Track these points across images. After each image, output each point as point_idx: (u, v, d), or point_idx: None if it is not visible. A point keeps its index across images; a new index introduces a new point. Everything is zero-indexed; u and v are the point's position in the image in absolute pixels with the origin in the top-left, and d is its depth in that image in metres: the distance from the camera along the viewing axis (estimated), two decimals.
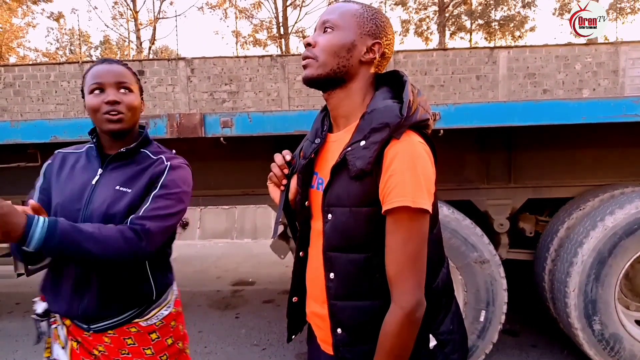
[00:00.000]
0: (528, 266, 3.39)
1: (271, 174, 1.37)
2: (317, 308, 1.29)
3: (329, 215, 1.19)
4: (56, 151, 1.59)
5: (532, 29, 23.17)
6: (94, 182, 1.46)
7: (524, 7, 22.24)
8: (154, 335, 1.54)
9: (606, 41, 16.10)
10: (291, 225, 1.42)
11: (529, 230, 3.34)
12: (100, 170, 1.48)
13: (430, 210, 1.10)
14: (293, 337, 1.45)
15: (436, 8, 22.65)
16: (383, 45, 1.19)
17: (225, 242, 7.47)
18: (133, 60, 15.05)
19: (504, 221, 3.17)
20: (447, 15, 22.07)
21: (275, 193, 1.39)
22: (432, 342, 1.20)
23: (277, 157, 1.36)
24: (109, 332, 1.48)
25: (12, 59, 24.93)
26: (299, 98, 13.28)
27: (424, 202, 1.07)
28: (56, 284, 1.47)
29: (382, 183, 1.10)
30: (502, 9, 22.56)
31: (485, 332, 2.92)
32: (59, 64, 13.87)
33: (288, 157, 1.35)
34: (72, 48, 26.16)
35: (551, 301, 3.04)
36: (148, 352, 1.52)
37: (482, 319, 2.91)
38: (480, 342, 2.92)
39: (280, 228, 3.48)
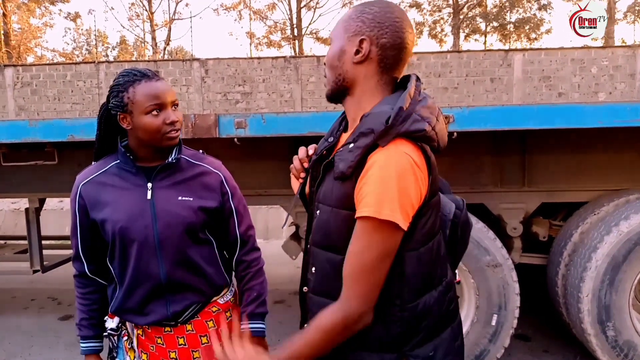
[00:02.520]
0: (541, 271, 3.36)
1: (292, 165, 1.39)
2: None
3: (317, 211, 1.21)
4: (79, 184, 1.53)
5: (547, 32, 22.98)
6: (149, 197, 1.49)
7: (539, 9, 22.06)
8: (228, 314, 1.65)
9: (623, 44, 15.91)
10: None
11: (542, 235, 3.31)
12: (150, 184, 1.50)
13: (402, 225, 1.05)
14: (306, 326, 1.46)
15: (451, 10, 22.55)
16: (373, 38, 1.13)
17: None
18: (148, 61, 15.20)
19: (517, 225, 3.15)
20: (461, 17, 21.96)
21: (295, 184, 1.41)
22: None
23: (301, 150, 1.38)
24: (195, 317, 1.57)
25: (30, 59, 25.31)
26: (312, 99, 13.30)
27: (391, 215, 1.03)
28: (138, 302, 1.53)
29: (357, 188, 1.08)
30: (517, 11, 22.40)
31: (497, 336, 2.90)
32: (75, 63, 14.06)
33: (311, 152, 1.37)
34: (89, 48, 26.49)
35: (564, 306, 3.01)
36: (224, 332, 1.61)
37: (493, 323, 2.89)
38: (491, 347, 2.91)
39: (292, 229, 3.49)
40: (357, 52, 1.15)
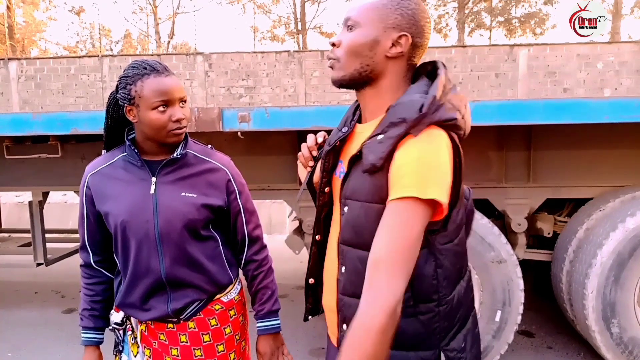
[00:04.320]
0: (545, 267, 3.35)
1: (300, 153, 1.36)
2: (329, 299, 1.28)
3: (345, 208, 1.17)
4: (87, 174, 1.54)
5: (553, 27, 22.85)
6: (152, 191, 1.48)
7: (545, 4, 21.93)
8: (232, 312, 1.63)
9: (630, 40, 15.82)
10: (316, 205, 1.41)
11: (547, 231, 3.29)
12: (154, 179, 1.49)
13: (443, 202, 1.01)
14: (310, 317, 1.44)
15: (456, 4, 22.43)
16: (412, 36, 1.11)
17: None
18: (152, 55, 15.19)
19: (522, 221, 3.13)
20: (466, 11, 21.84)
21: (302, 172, 1.39)
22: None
23: (310, 138, 1.35)
24: (197, 315, 1.56)
25: (34, 52, 25.34)
26: (315, 94, 13.27)
27: (433, 193, 0.99)
28: (139, 298, 1.53)
29: (391, 173, 1.05)
30: (522, 6, 22.26)
31: (501, 332, 2.89)
32: (79, 57, 14.08)
33: (320, 140, 1.34)
34: (92, 42, 26.50)
35: (568, 303, 3.00)
36: (227, 330, 1.61)
37: (497, 319, 2.88)
38: (495, 343, 2.90)
39: (295, 224, 3.48)
40: (393, 47, 1.11)
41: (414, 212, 1.00)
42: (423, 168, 1.01)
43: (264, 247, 1.69)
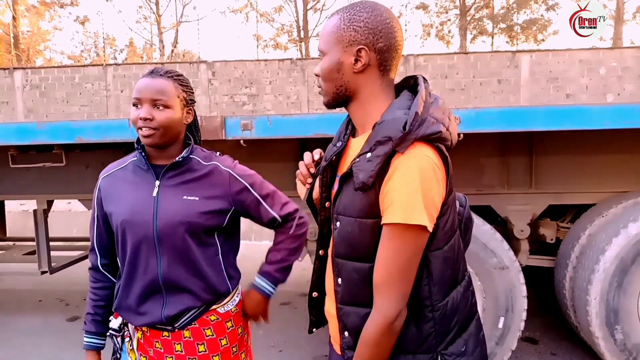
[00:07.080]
0: (548, 273, 3.34)
1: (298, 171, 1.39)
2: (330, 307, 1.30)
3: (337, 223, 1.20)
4: (100, 177, 1.61)
5: (555, 33, 22.84)
6: (154, 194, 1.51)
7: (547, 10, 21.96)
8: (229, 324, 1.63)
9: (632, 45, 15.83)
10: (317, 221, 1.44)
11: (549, 237, 3.29)
12: (157, 182, 1.53)
13: (428, 226, 1.08)
14: (314, 330, 1.46)
15: (458, 11, 22.49)
16: (370, 45, 1.14)
17: (244, 244, 7.47)
18: (155, 63, 15.28)
19: (525, 227, 3.13)
20: (468, 18, 21.90)
21: (301, 190, 1.42)
22: None
23: (306, 156, 1.38)
24: (192, 324, 1.56)
25: (39, 62, 25.51)
26: (318, 101, 13.29)
27: (419, 219, 1.06)
28: (135, 300, 1.55)
29: (381, 196, 1.10)
30: (524, 12, 22.30)
31: (504, 339, 2.89)
32: (84, 66, 14.14)
33: (316, 157, 1.37)
34: (97, 50, 26.66)
35: (572, 309, 2.99)
36: (223, 342, 1.60)
37: (500, 325, 2.88)
38: (498, 349, 2.89)
39: None
40: (356, 61, 1.15)
41: (403, 238, 1.08)
42: (408, 194, 1.06)
43: (302, 218, 1.70)
